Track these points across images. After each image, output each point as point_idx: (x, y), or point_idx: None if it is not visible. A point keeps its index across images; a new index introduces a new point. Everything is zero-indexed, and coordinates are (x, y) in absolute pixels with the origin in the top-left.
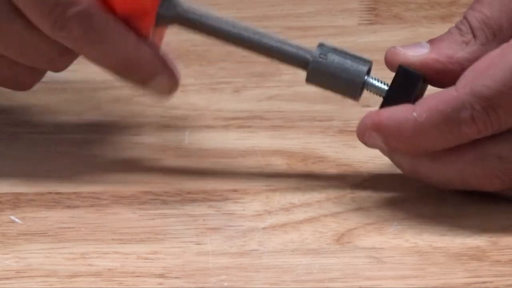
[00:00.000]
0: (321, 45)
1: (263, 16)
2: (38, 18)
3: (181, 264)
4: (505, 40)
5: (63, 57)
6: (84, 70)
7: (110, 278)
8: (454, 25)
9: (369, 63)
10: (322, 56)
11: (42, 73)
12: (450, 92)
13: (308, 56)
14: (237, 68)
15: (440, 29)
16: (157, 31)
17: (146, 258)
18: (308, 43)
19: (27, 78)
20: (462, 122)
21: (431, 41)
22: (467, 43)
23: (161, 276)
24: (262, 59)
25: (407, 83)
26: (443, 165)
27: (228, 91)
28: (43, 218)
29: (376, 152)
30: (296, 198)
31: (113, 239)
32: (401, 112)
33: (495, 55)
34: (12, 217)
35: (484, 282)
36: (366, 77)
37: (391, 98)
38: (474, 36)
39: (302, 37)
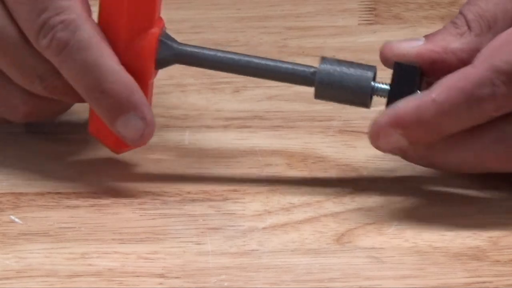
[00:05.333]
0: (323, 59)
1: (263, 16)
2: (26, 23)
3: (181, 264)
4: (500, 32)
5: (52, 79)
6: None
7: (110, 278)
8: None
9: (373, 68)
10: (326, 69)
11: (35, 103)
12: (468, 70)
13: (312, 71)
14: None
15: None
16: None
17: (146, 258)
18: (308, 43)
19: (19, 102)
20: (483, 98)
21: (426, 36)
22: (461, 35)
23: (161, 276)
24: None
25: (406, 78)
26: (461, 149)
27: (228, 91)
28: (43, 218)
29: (376, 152)
30: (296, 198)
31: (113, 239)
32: (417, 98)
33: (511, 31)
34: (12, 217)
35: (484, 282)
36: (373, 83)
37: (394, 96)
38: (469, 27)
39: (302, 37)
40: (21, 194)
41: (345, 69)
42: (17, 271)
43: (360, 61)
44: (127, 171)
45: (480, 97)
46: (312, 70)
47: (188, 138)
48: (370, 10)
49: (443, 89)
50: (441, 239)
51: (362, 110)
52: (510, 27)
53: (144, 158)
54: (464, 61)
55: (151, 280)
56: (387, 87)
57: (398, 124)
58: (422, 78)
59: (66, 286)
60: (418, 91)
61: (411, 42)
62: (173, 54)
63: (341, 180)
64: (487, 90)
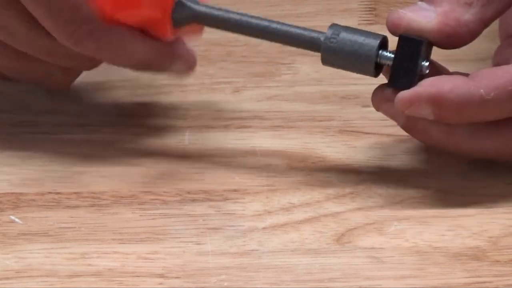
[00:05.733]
0: (333, 25)
1: (263, 16)
2: (53, 30)
3: (181, 264)
4: (503, 4)
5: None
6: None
7: (110, 278)
8: None
9: (381, 36)
10: (334, 35)
11: (77, 72)
12: None
13: (320, 37)
14: (237, 68)
15: None
16: (188, 28)
17: (146, 258)
18: None
19: (61, 77)
20: None
21: (431, 2)
22: (470, 5)
23: (161, 276)
24: (262, 59)
25: (411, 50)
26: (483, 136)
27: (228, 91)
28: (43, 218)
29: (376, 152)
30: (296, 198)
31: (113, 239)
32: (463, 86)
33: None
34: (12, 217)
35: (484, 282)
36: (380, 51)
37: (397, 68)
38: None
39: None
40: (21, 194)
41: (351, 36)
42: (17, 271)
43: None
44: (127, 171)
45: None
46: (320, 35)
47: (188, 138)
48: (370, 10)
49: (492, 87)
50: (441, 239)
51: (362, 110)
52: None
53: (144, 158)
54: (473, 32)
55: (151, 280)
56: (393, 56)
57: (437, 103)
58: (430, 48)
59: (66, 286)
60: (422, 63)
61: (421, 12)
62: (190, 14)
63: (341, 180)
64: None
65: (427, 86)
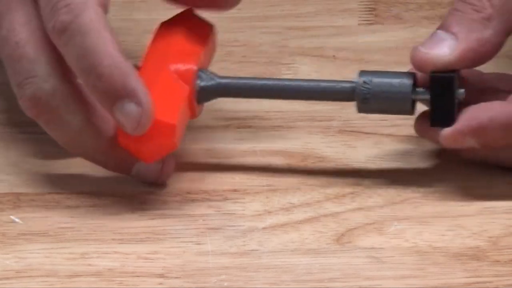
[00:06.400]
0: (362, 72)
1: (263, 16)
2: (42, 11)
3: (181, 264)
4: None
5: None
6: None
7: (110, 278)
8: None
9: (412, 75)
10: (366, 82)
11: None
12: None
13: (353, 85)
14: (237, 68)
15: None
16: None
17: (146, 258)
18: (308, 43)
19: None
20: None
21: (446, 27)
22: (488, 19)
23: (161, 276)
24: (262, 59)
25: (445, 88)
26: (500, 149)
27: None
28: (43, 218)
29: (376, 152)
30: (296, 198)
31: (113, 239)
32: (502, 113)
33: None
34: (12, 217)
35: (484, 282)
36: (415, 89)
37: (437, 107)
38: (492, 5)
39: (302, 37)
40: (21, 194)
41: (384, 79)
42: (17, 271)
43: (360, 61)
44: None
45: None
46: (351, 85)
47: (188, 138)
48: (370, 10)
49: None
50: (441, 239)
51: None
52: None
53: None
54: (497, 46)
55: (151, 280)
56: (427, 94)
57: (480, 135)
58: (459, 76)
59: (66, 286)
60: (458, 92)
61: (441, 45)
62: (212, 85)
63: (341, 180)
64: None
65: (467, 120)
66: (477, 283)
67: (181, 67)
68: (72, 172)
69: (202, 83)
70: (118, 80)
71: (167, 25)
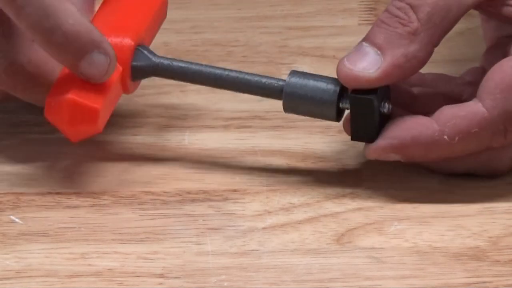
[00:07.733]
0: (292, 72)
1: (263, 16)
2: None
3: (181, 264)
4: (448, 21)
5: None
6: None
7: (110, 278)
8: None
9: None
10: (294, 83)
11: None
12: (480, 112)
13: (281, 83)
14: (237, 68)
15: None
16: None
17: (146, 258)
18: (308, 43)
19: None
20: (493, 139)
21: (371, 40)
22: (414, 34)
23: (161, 276)
24: (262, 59)
25: (365, 109)
26: (453, 162)
27: (228, 91)
28: (43, 218)
29: None
30: (296, 198)
31: (113, 239)
32: (427, 132)
33: None
34: (12, 217)
35: (484, 282)
36: (341, 97)
37: (356, 124)
38: (419, 19)
39: (302, 37)
40: (21, 194)
41: (312, 82)
42: (17, 271)
43: None
44: (127, 172)
45: (491, 140)
46: (280, 83)
47: (188, 138)
48: (370, 10)
49: (455, 132)
50: (441, 239)
51: None
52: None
53: (144, 158)
54: (423, 60)
55: (151, 280)
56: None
57: (402, 152)
58: (387, 88)
59: (66, 286)
60: (384, 105)
61: (365, 60)
62: (147, 65)
63: (341, 180)
64: (501, 135)
65: (390, 138)
66: (477, 283)
67: (118, 42)
68: (72, 172)
69: (136, 63)
70: (85, 35)
71: None
